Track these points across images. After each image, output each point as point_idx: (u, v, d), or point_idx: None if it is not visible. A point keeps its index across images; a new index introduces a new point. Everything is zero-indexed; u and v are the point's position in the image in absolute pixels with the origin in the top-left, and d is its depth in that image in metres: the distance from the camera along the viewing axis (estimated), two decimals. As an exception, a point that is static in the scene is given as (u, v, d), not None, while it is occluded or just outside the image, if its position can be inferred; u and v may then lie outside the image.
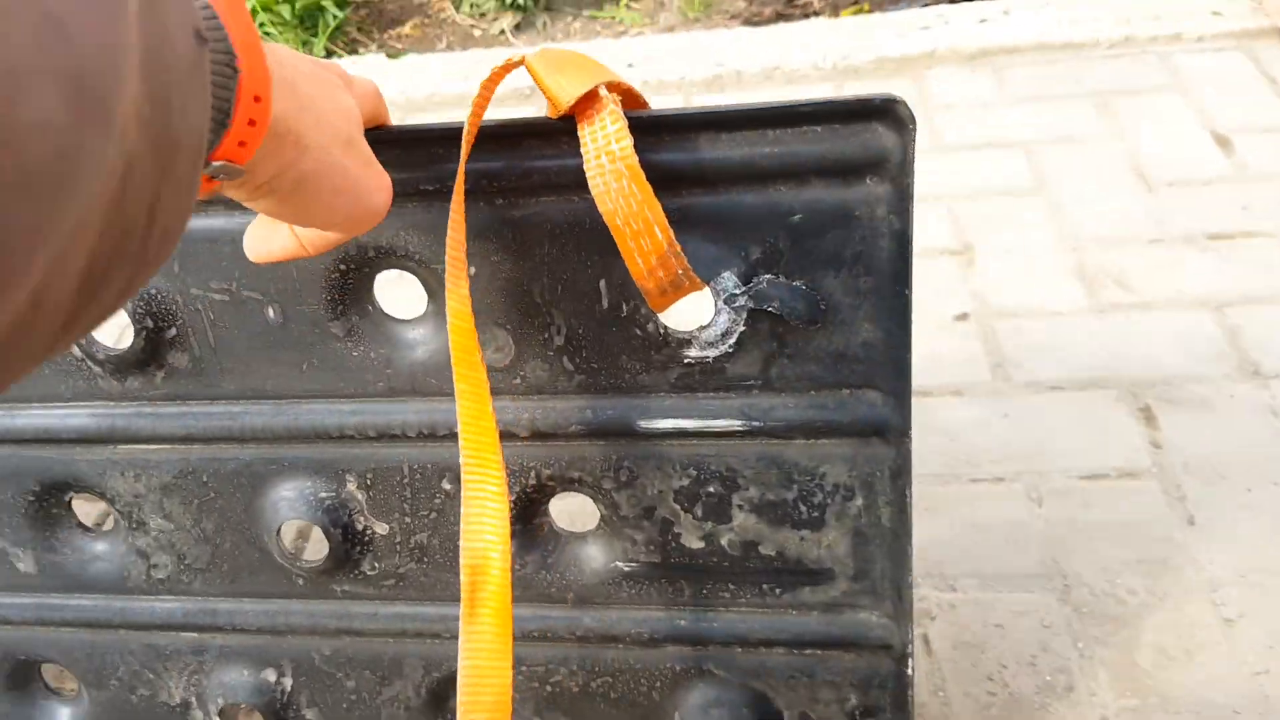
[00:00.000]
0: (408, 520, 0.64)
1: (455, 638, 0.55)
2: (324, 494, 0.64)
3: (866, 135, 0.51)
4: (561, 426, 0.60)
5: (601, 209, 0.50)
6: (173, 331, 0.61)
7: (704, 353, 0.57)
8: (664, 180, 0.51)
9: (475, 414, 0.52)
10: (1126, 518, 0.96)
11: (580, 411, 0.60)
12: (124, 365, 0.62)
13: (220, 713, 0.72)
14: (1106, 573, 0.92)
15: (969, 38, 1.63)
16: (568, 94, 0.49)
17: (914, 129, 0.51)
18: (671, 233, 0.49)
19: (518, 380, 0.60)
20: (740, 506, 0.61)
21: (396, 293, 0.68)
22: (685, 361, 0.58)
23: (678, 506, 0.62)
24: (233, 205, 0.52)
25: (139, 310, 0.60)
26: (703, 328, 0.57)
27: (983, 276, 1.25)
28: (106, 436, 0.64)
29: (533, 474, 0.62)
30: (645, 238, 0.50)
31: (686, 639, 0.65)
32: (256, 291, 0.59)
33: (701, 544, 0.62)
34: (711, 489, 0.61)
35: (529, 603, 0.65)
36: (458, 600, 0.52)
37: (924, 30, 1.68)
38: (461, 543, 0.51)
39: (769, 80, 1.65)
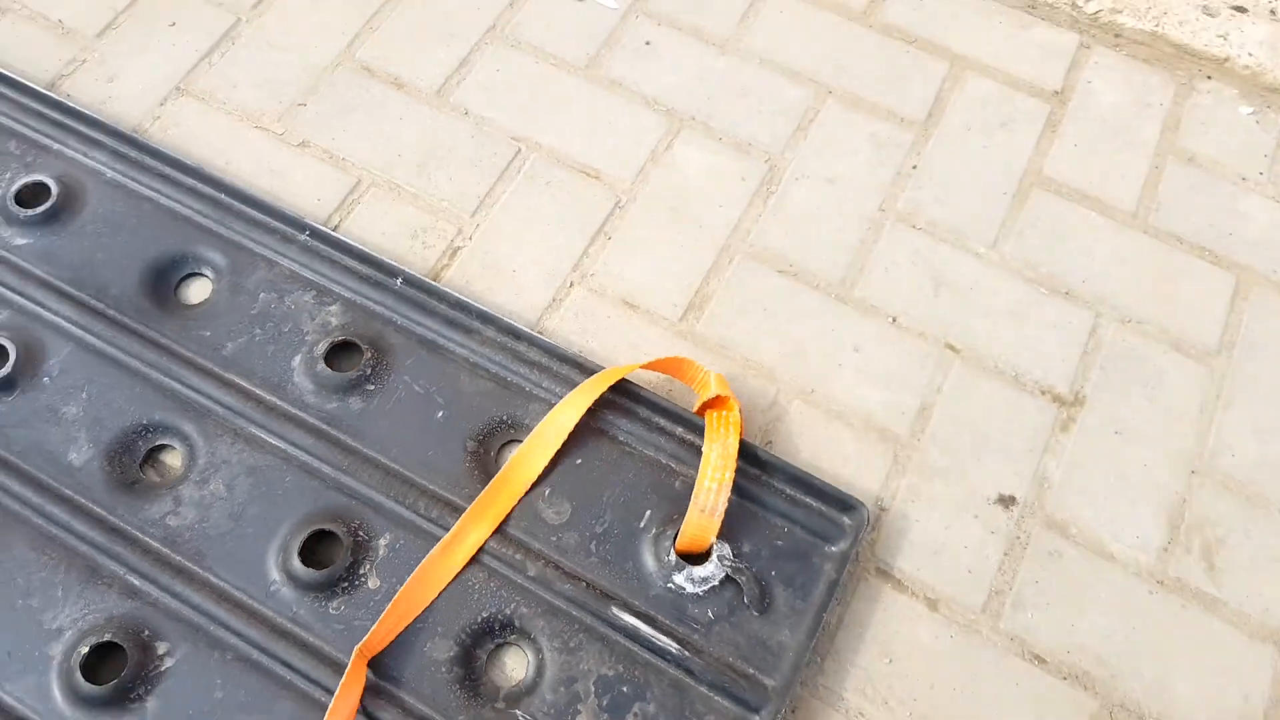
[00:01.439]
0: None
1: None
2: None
3: (842, 519, 0.89)
4: (560, 579, 0.86)
5: (701, 474, 0.87)
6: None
7: (686, 586, 0.86)
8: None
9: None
10: None
11: (578, 577, 0.86)
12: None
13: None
14: None
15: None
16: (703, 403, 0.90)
17: (868, 525, 0.88)
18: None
19: (555, 538, 0.88)
20: (634, 715, 0.82)
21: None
22: (669, 585, 0.86)
23: (592, 689, 0.83)
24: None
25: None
26: (696, 569, 0.87)
27: None
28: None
29: (510, 606, 0.86)
30: (716, 496, 0.85)
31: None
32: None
33: (588, 731, 0.81)
34: (625, 689, 0.83)
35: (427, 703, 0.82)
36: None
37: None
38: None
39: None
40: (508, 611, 0.85)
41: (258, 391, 0.94)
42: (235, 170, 1.08)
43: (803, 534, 0.89)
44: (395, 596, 0.84)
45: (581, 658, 0.83)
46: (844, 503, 0.89)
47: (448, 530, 0.88)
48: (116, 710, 0.79)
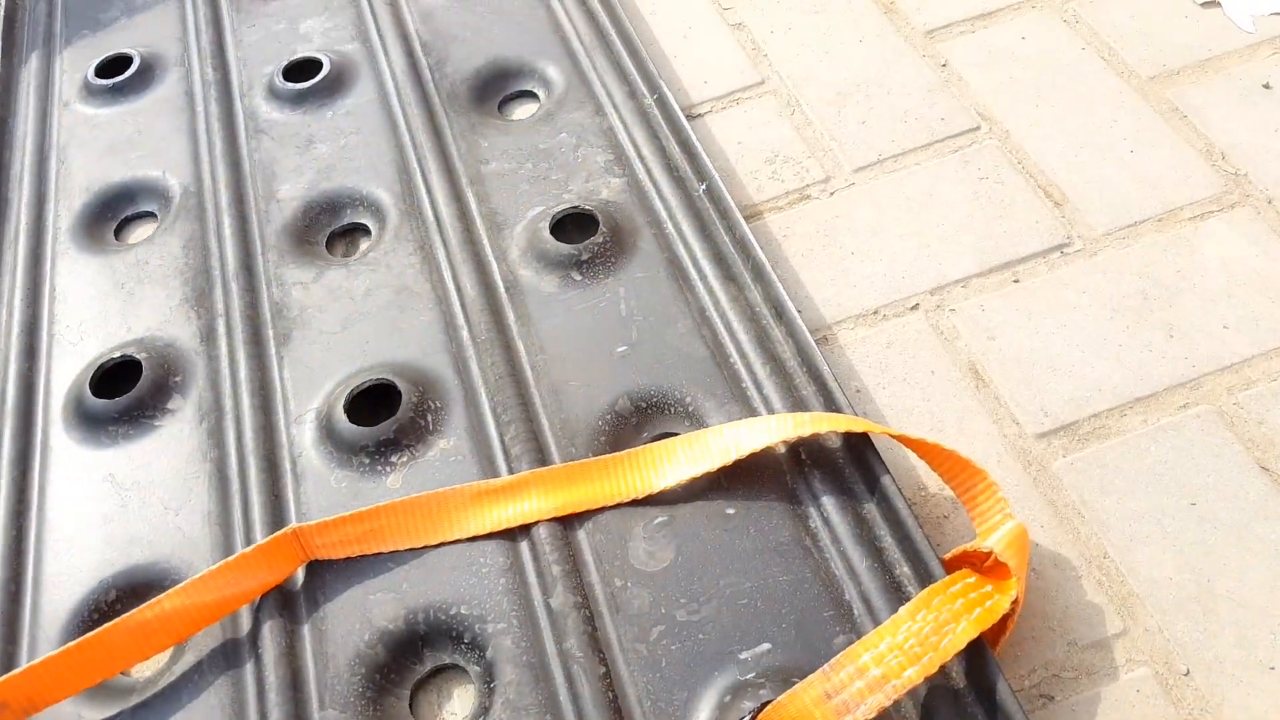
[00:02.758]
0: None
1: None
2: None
3: None
4: (582, 640, 0.54)
5: (868, 641, 0.49)
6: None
7: None
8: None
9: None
10: None
11: (603, 656, 0.54)
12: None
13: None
14: None
15: None
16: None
17: None
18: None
19: (620, 584, 0.56)
20: None
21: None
22: None
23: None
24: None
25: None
26: None
27: None
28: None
29: (498, 622, 0.55)
30: (866, 693, 0.46)
31: None
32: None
33: None
34: None
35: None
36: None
37: None
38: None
39: None
40: (487, 629, 0.55)
41: (477, 220, 0.76)
42: (652, 18, 0.91)
43: None
44: (384, 505, 0.59)
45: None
46: None
47: (505, 475, 0.61)
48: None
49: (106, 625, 0.55)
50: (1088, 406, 0.61)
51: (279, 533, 0.58)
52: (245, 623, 0.58)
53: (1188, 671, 0.51)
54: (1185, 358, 0.62)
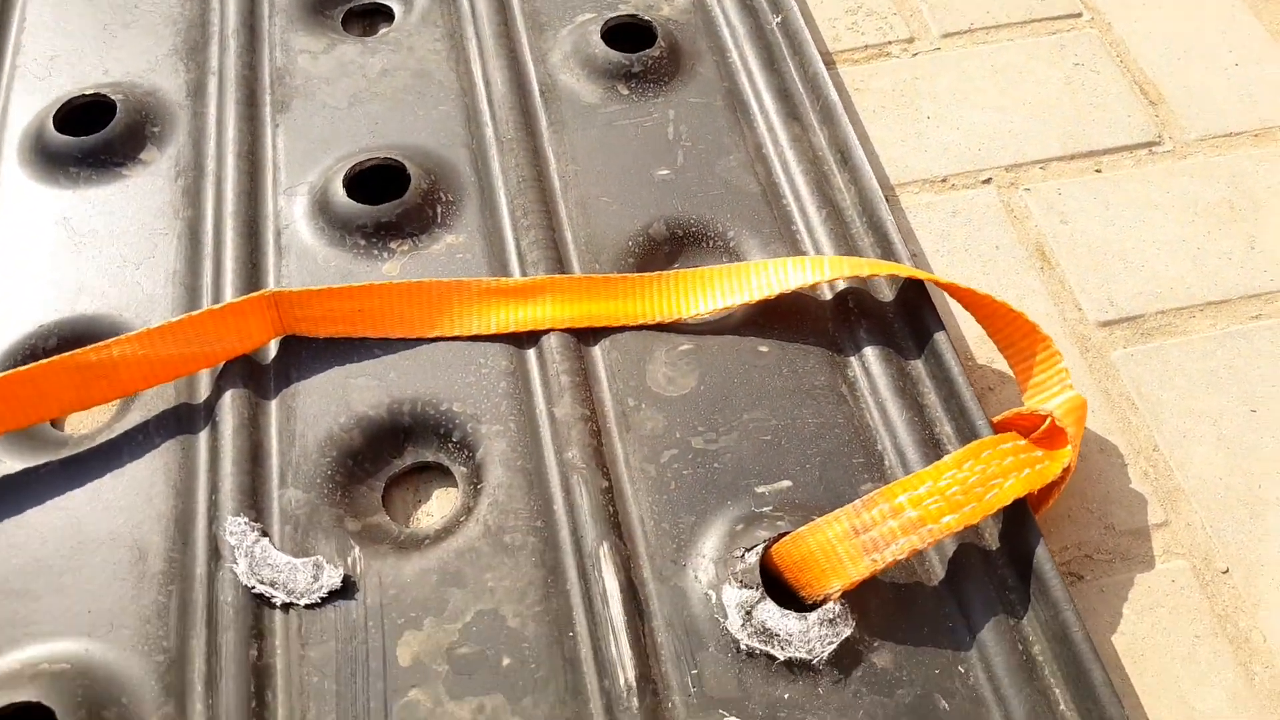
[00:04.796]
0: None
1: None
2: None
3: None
4: (585, 450, 0.52)
5: (906, 483, 0.48)
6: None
7: (734, 621, 0.47)
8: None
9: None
10: None
11: (606, 472, 0.52)
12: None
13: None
14: None
15: None
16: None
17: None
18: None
19: (634, 403, 0.54)
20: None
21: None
22: (711, 598, 0.47)
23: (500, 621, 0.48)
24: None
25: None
26: (772, 611, 0.47)
27: None
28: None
29: (493, 423, 0.53)
30: (900, 533, 0.45)
31: None
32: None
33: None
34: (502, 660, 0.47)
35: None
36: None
37: None
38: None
39: None
40: (480, 429, 0.53)
41: (518, 16, 0.73)
42: None
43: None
44: (380, 284, 0.57)
45: (504, 568, 0.49)
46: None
47: (519, 276, 0.59)
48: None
49: (41, 362, 0.52)
50: (1156, 303, 0.60)
51: (255, 294, 0.55)
52: (204, 388, 0.56)
53: (1227, 570, 0.50)
54: (1265, 271, 0.62)
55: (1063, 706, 0.44)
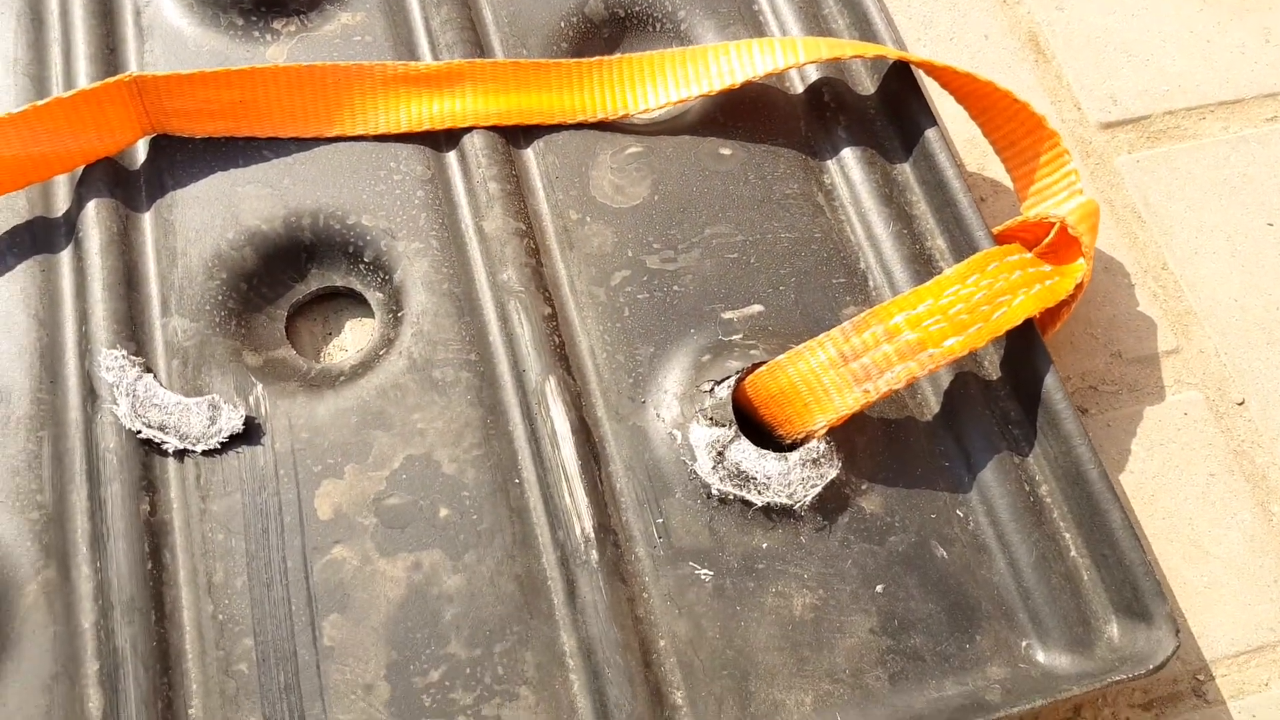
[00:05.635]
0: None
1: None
2: None
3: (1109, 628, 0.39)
4: (523, 257, 0.46)
5: (901, 302, 0.42)
6: None
7: (703, 463, 0.42)
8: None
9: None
10: None
11: (547, 292, 0.46)
12: None
13: None
14: None
15: None
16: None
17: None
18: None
19: (575, 216, 0.47)
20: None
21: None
22: (673, 431, 0.42)
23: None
24: None
25: None
26: (746, 449, 0.42)
27: None
28: None
29: (411, 239, 0.46)
30: (894, 360, 0.40)
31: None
32: None
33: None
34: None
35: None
36: None
37: None
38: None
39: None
40: (396, 247, 0.46)
41: None
42: None
43: (1008, 587, 0.41)
44: (266, 68, 0.48)
45: (453, 403, 0.43)
46: (1146, 608, 0.39)
47: (434, 61, 0.50)
48: None
49: None
50: (1163, 102, 0.55)
51: (113, 79, 0.46)
52: (61, 199, 0.48)
53: (1243, 401, 0.47)
54: (1280, 67, 0.57)
55: (1074, 552, 0.41)
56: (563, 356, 0.44)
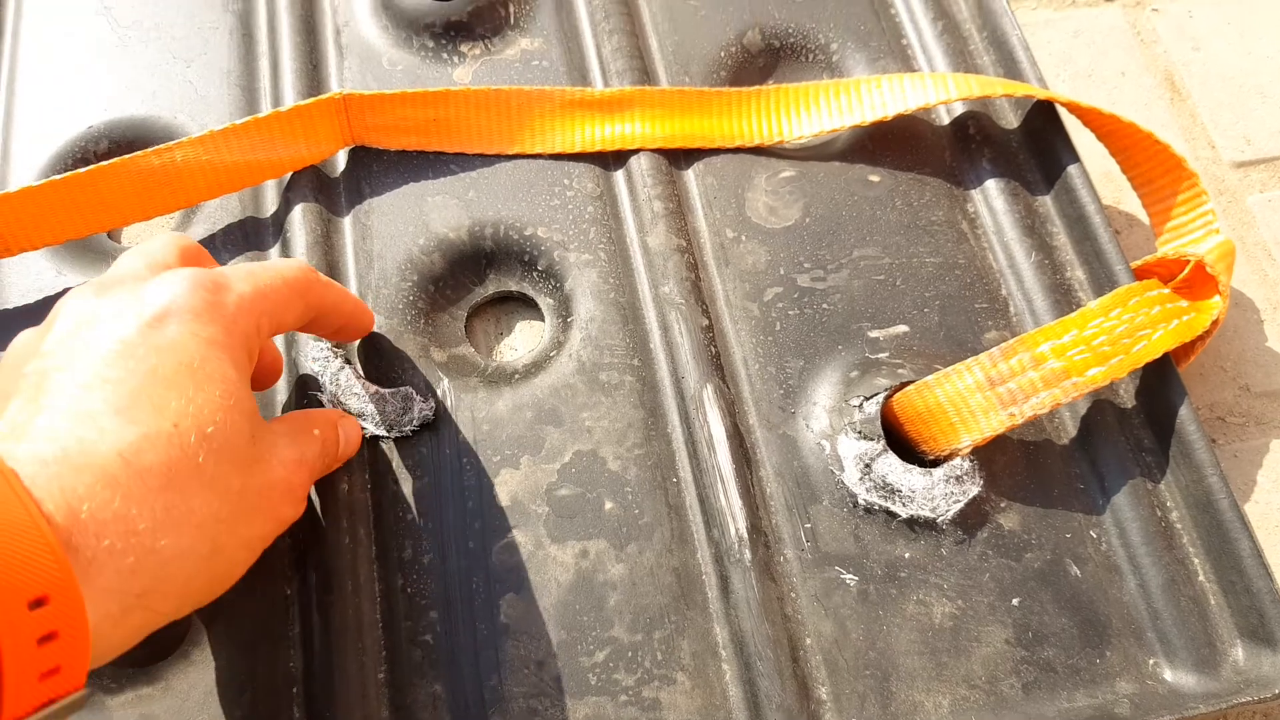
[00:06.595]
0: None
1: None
2: None
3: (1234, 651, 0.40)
4: (683, 270, 0.48)
5: (1049, 331, 0.44)
6: None
7: (849, 472, 0.44)
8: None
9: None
10: None
11: (702, 302, 0.48)
12: None
13: None
14: None
15: None
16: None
17: None
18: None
19: (734, 236, 0.49)
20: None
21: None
22: (822, 440, 0.44)
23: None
24: None
25: None
26: (891, 464, 0.43)
27: None
28: None
29: (582, 251, 0.48)
30: (1040, 384, 0.42)
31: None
32: None
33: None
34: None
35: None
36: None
37: None
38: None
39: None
40: (568, 258, 0.49)
41: None
42: None
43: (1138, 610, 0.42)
44: (456, 91, 0.51)
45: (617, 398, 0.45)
46: (1272, 634, 0.40)
47: (603, 88, 0.53)
48: None
49: (100, 164, 0.47)
50: (1297, 134, 0.55)
51: (325, 95, 0.49)
52: (270, 200, 0.51)
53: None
54: None
55: (1201, 577, 0.41)
56: (718, 366, 0.46)
